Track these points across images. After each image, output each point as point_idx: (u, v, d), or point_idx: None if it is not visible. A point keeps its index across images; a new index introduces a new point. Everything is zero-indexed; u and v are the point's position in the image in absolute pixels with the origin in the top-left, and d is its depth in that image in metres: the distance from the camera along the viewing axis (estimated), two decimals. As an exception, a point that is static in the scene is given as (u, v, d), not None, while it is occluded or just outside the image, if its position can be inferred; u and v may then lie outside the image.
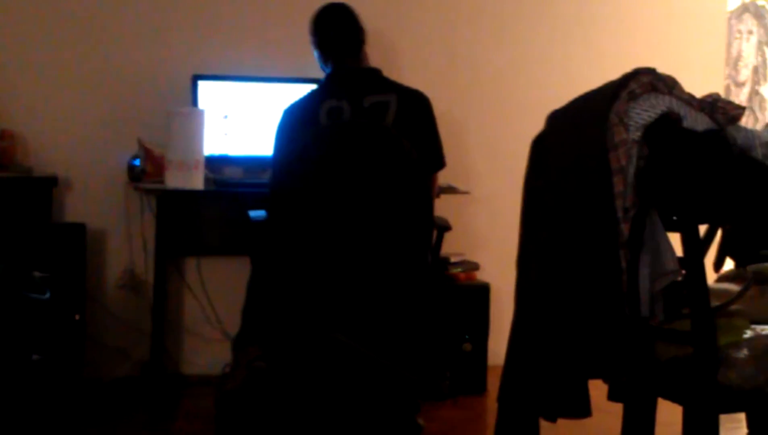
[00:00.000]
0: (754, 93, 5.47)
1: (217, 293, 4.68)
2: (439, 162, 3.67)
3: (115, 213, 4.56)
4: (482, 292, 4.50)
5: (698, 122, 2.47)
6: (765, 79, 5.52)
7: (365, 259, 3.22)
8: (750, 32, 5.45)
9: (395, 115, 3.50)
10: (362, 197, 3.23)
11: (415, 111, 3.57)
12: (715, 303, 2.50)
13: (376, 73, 3.66)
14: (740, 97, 5.43)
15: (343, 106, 3.50)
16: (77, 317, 4.02)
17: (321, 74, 3.78)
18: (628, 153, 2.42)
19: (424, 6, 4.99)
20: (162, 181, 4.18)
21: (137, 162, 4.38)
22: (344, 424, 2.97)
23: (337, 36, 3.69)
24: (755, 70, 5.45)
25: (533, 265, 2.78)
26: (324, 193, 3.23)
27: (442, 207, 4.19)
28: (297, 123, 3.52)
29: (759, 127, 5.41)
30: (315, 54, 3.80)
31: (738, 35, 5.45)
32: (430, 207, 3.43)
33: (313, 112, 3.51)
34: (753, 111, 5.45)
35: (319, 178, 3.22)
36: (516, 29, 5.08)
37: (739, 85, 5.46)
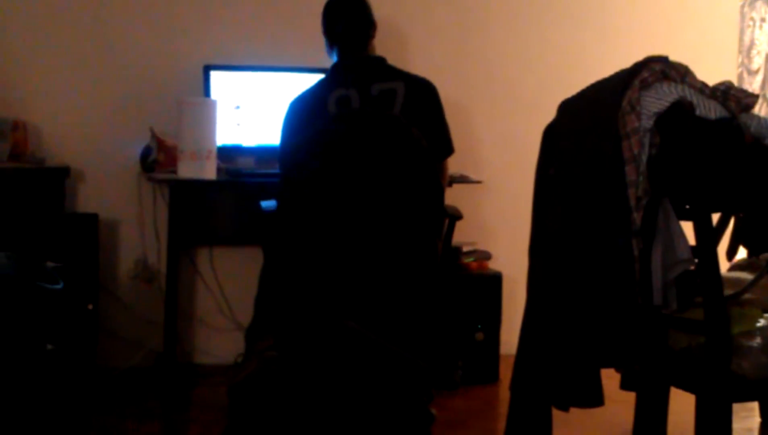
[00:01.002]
0: (767, 81, 5.44)
1: (230, 283, 4.69)
2: (449, 148, 3.68)
3: (128, 203, 4.57)
4: (494, 281, 4.50)
5: (711, 110, 2.47)
6: (778, 67, 5.49)
7: (376, 248, 3.22)
8: (763, 20, 5.43)
9: (403, 102, 3.51)
10: (372, 186, 3.23)
11: (422, 98, 3.58)
12: (728, 292, 2.50)
13: (381, 61, 3.67)
14: (753, 86, 5.41)
15: (351, 94, 3.51)
16: (90, 307, 4.04)
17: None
18: (640, 141, 2.42)
19: (435, -5, 4.99)
20: (174, 171, 4.19)
21: (150, 152, 4.39)
22: (357, 413, 2.98)
23: (346, 28, 3.69)
24: (768, 58, 5.43)
25: (545, 254, 2.78)
26: (334, 182, 3.23)
27: (454, 196, 4.19)
28: (305, 114, 3.52)
29: (772, 115, 5.39)
30: (324, 40, 3.80)
31: (751, 23, 5.42)
32: (441, 195, 3.43)
33: (321, 102, 3.51)
34: (766, 99, 5.43)
35: (328, 168, 3.23)
36: (527, 18, 5.07)
37: (752, 73, 5.44)
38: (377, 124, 3.28)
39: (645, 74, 2.50)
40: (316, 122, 3.37)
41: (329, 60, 3.83)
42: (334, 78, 3.64)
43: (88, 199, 4.51)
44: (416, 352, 3.12)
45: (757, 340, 2.45)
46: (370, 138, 3.25)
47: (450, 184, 4.22)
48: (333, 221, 3.23)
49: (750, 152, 2.45)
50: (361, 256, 3.21)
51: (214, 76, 4.44)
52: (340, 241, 3.22)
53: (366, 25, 3.71)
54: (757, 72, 5.44)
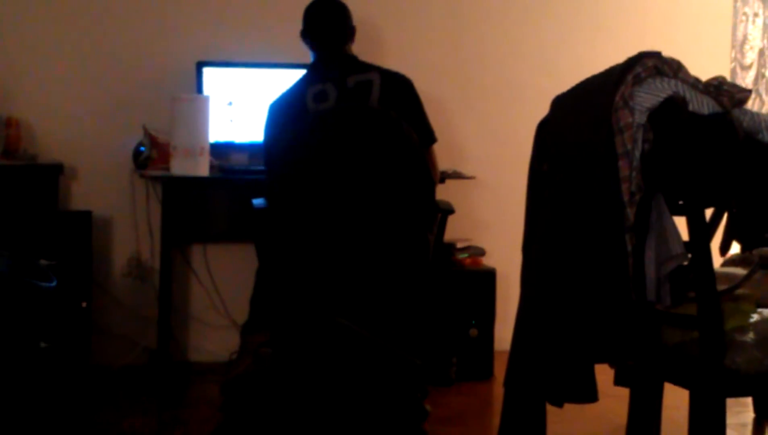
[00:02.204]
0: (760, 76, 5.45)
1: (224, 280, 4.68)
2: (430, 137, 3.69)
3: (121, 200, 4.57)
4: (488, 277, 4.50)
5: (704, 106, 2.47)
6: (771, 62, 5.50)
7: (368, 244, 3.22)
8: (756, 15, 5.43)
9: (380, 93, 3.53)
10: (362, 181, 3.23)
11: (399, 89, 3.61)
12: (721, 287, 2.50)
13: (354, 57, 3.70)
14: (746, 81, 5.41)
15: (327, 88, 3.54)
16: (84, 305, 4.03)
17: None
18: (633, 137, 2.42)
19: (427, -9, 4.98)
20: (167, 168, 4.19)
21: (143, 149, 4.38)
22: (351, 409, 2.98)
23: (323, 31, 3.72)
24: (761, 53, 5.43)
25: (539, 250, 2.78)
26: (324, 179, 3.22)
27: (448, 192, 4.19)
28: (285, 114, 3.54)
29: (765, 110, 5.39)
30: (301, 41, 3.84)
31: (744, 18, 5.43)
32: (432, 190, 3.44)
33: (299, 100, 3.54)
34: (759, 94, 5.43)
35: (319, 165, 3.22)
36: (520, 13, 5.06)
37: (745, 68, 5.44)
38: (366, 119, 3.28)
39: (638, 69, 2.50)
40: (297, 120, 3.38)
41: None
42: (309, 75, 3.67)
43: (81, 196, 4.51)
44: (410, 348, 3.12)
45: (751, 335, 2.44)
46: (360, 133, 3.25)
47: (443, 180, 4.22)
48: (323, 218, 3.22)
49: (743, 147, 2.45)
50: (353, 252, 3.21)
51: (207, 72, 4.44)
52: (331, 238, 3.22)
53: (343, 29, 3.74)
54: (750, 67, 5.44)
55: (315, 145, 3.24)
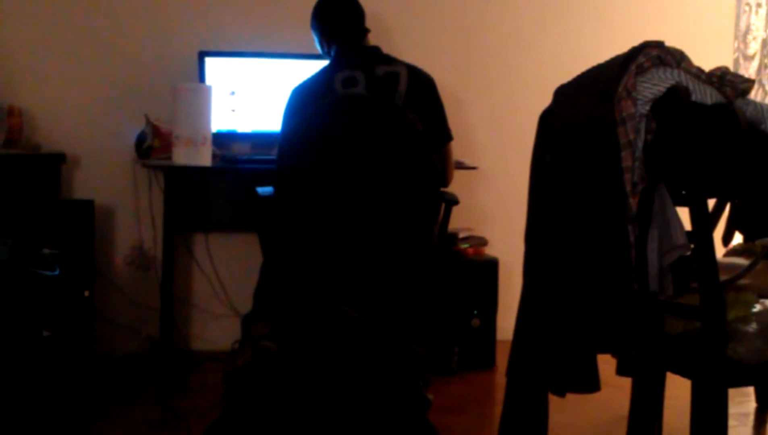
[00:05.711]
0: (763, 66, 5.44)
1: (226, 269, 4.69)
2: (448, 134, 3.73)
3: (124, 189, 4.57)
4: (491, 267, 4.50)
5: (707, 96, 2.47)
6: (774, 52, 5.49)
7: (373, 233, 3.22)
8: (759, 5, 5.42)
9: (406, 86, 3.55)
10: (369, 171, 3.23)
11: (423, 86, 3.64)
12: (723, 277, 2.50)
13: (378, 48, 3.70)
14: (749, 71, 5.40)
15: (357, 75, 3.55)
16: (86, 294, 4.03)
17: (327, 51, 3.79)
18: (636, 127, 2.42)
19: (431, -20, 4.98)
20: (170, 158, 4.18)
21: (145, 138, 4.38)
22: (353, 398, 2.98)
23: (345, 25, 3.74)
24: (764, 43, 5.42)
25: (541, 240, 2.78)
26: (332, 167, 3.22)
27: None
28: (309, 99, 3.53)
29: (768, 100, 5.39)
30: (316, 41, 3.85)
31: (747, 8, 5.42)
32: (437, 180, 3.45)
33: (327, 85, 3.54)
34: (762, 84, 5.42)
35: (326, 152, 3.22)
36: (524, 3, 5.06)
37: (748, 58, 5.43)
38: (374, 109, 3.28)
39: (641, 60, 2.50)
40: (318, 104, 3.38)
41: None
42: (337, 62, 3.67)
43: (84, 185, 4.51)
44: (413, 337, 3.13)
45: (753, 326, 2.45)
46: (367, 123, 3.25)
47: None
48: (329, 207, 3.22)
49: (746, 138, 2.45)
50: (358, 241, 3.21)
51: (209, 62, 4.43)
52: (336, 227, 3.22)
53: (361, 18, 3.76)
54: (753, 57, 5.43)
55: (322, 134, 3.24)
